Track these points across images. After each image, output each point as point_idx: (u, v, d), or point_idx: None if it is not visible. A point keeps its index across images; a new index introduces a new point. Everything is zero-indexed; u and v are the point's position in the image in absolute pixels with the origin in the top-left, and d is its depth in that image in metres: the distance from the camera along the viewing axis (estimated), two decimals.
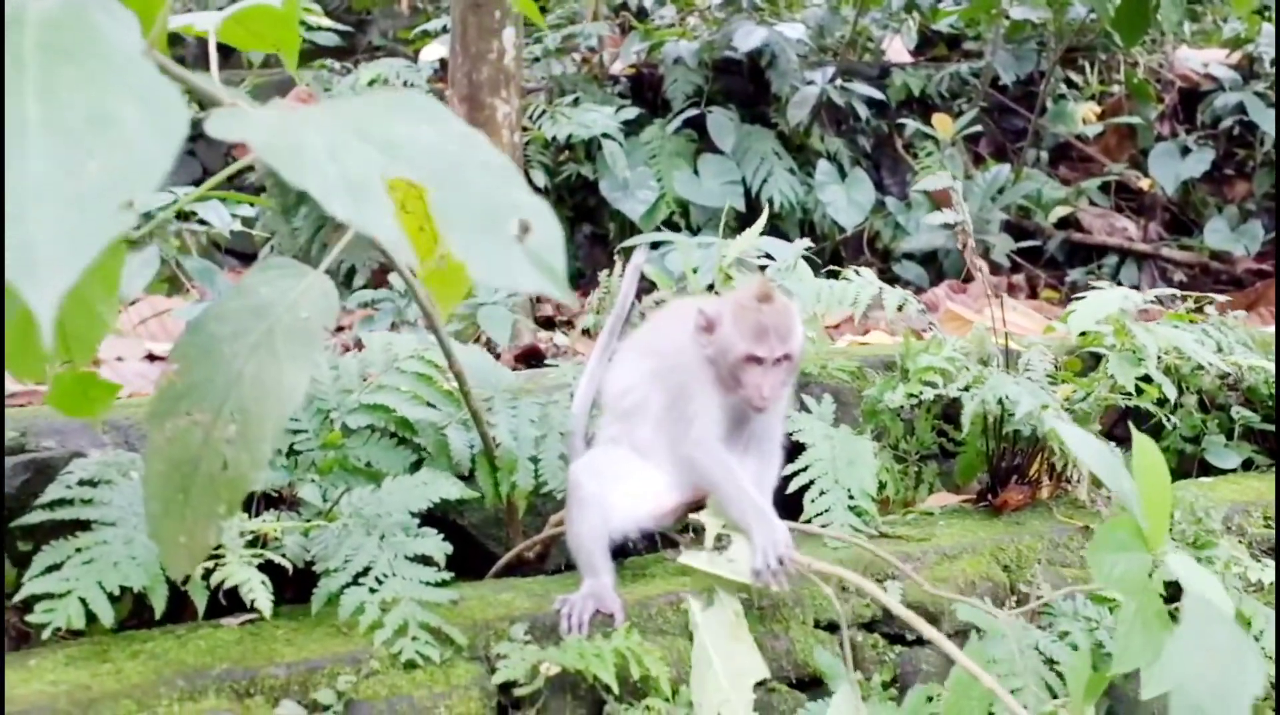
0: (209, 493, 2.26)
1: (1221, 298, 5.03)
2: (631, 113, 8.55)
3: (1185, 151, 9.17)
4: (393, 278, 6.26)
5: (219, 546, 2.78)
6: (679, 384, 3.10)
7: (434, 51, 8.89)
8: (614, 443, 3.24)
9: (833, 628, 3.25)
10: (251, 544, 2.91)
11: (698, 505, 3.16)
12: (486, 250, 1.70)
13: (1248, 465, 4.88)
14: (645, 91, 9.21)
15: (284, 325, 2.32)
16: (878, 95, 8.97)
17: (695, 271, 4.37)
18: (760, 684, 3.05)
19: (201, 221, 6.01)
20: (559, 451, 3.48)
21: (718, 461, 3.06)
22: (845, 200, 8.67)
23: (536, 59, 9.11)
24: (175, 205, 5.65)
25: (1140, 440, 2.73)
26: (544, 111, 8.42)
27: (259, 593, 2.73)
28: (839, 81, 8.84)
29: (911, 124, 8.89)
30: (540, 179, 8.17)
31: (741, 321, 3.00)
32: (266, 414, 2.27)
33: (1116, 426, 4.92)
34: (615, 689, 2.80)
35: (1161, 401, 4.14)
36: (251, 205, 6.97)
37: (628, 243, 4.80)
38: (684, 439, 3.08)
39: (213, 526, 2.30)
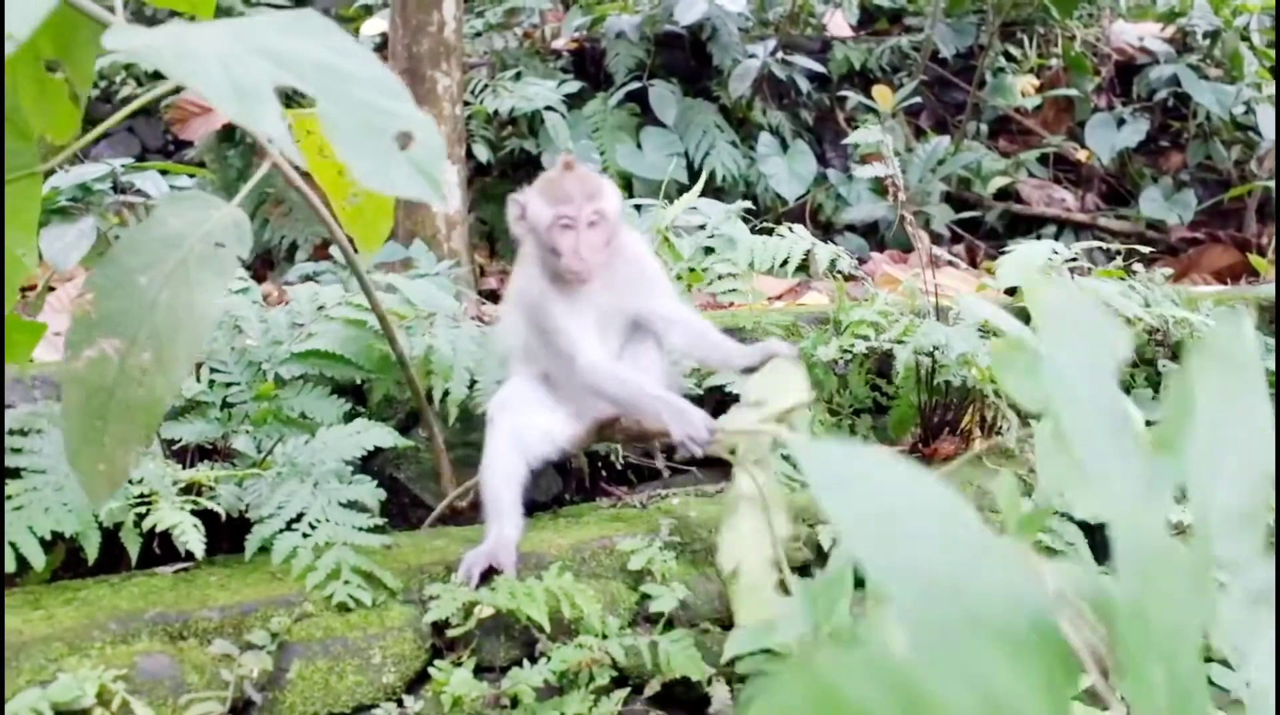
0: (126, 418, 2.29)
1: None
2: (574, 86, 8.56)
3: (1121, 123, 9.28)
4: (333, 250, 6.26)
5: (152, 494, 2.79)
6: (535, 307, 3.10)
7: (374, 26, 8.87)
8: (521, 378, 3.26)
9: None
10: (185, 491, 2.92)
11: (609, 422, 3.17)
12: (370, 155, 1.75)
13: None
14: (587, 65, 9.21)
15: (197, 255, 2.36)
16: (819, 69, 9.01)
17: None
18: (694, 625, 3.10)
19: (140, 193, 5.97)
20: (498, 378, 3.51)
21: (610, 377, 3.05)
22: (787, 172, 8.72)
23: (478, 33, 9.10)
24: (109, 176, 5.63)
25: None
26: (486, 86, 8.41)
27: (191, 536, 2.75)
28: (780, 55, 8.88)
29: (853, 97, 8.94)
30: (483, 153, 8.17)
31: (546, 191, 3.02)
32: (180, 340, 2.30)
33: None
34: (547, 628, 2.83)
35: None
36: (191, 177, 6.93)
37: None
38: (573, 369, 3.07)
39: (131, 452, 2.32)
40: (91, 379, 2.23)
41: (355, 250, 3.16)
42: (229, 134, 8.35)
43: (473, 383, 3.53)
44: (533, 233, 3.04)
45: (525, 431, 3.12)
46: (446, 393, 3.49)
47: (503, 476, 3.06)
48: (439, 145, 1.77)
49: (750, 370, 3.03)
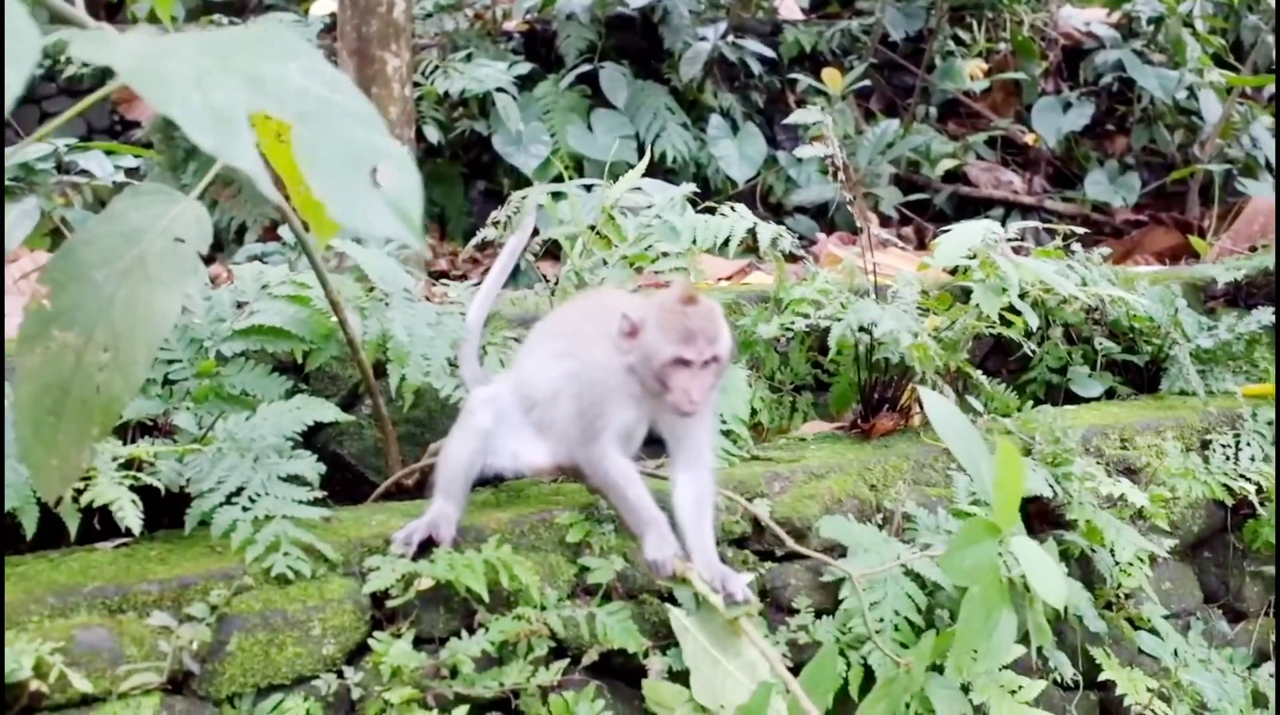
0: (81, 416, 2.28)
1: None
2: (525, 68, 8.56)
3: (1067, 107, 9.39)
4: (282, 231, 6.24)
5: (91, 470, 2.80)
6: (595, 398, 3.02)
7: (324, 6, 8.82)
8: (518, 402, 3.22)
9: None
10: (124, 467, 2.93)
11: (574, 470, 3.20)
12: (346, 193, 1.74)
13: (1110, 394, 5.07)
14: (538, 47, 9.22)
15: (156, 250, 2.34)
16: (769, 52, 9.05)
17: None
18: (632, 596, 3.15)
19: (84, 172, 5.94)
20: (446, 355, 3.54)
21: (620, 470, 3.03)
22: (737, 155, 8.78)
23: (428, 14, 9.09)
24: (53, 156, 5.60)
25: (1004, 445, 2.87)
26: (436, 67, 8.39)
27: (128, 511, 2.76)
28: (731, 38, 8.93)
29: (803, 80, 8.99)
30: (433, 135, 8.16)
31: (667, 325, 2.90)
32: (139, 338, 2.29)
33: (988, 360, 5.10)
34: (486, 599, 2.87)
35: (1029, 333, 4.28)
36: (137, 158, 6.90)
37: (519, 193, 4.83)
38: (588, 444, 3.03)
39: (85, 449, 2.31)
40: (46, 375, 2.21)
41: (307, 230, 3.16)
42: None
43: (427, 361, 3.55)
44: (641, 362, 2.95)
45: (496, 440, 3.12)
46: (403, 378, 3.52)
47: (463, 466, 3.07)
48: (416, 183, 1.74)
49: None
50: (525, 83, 8.58)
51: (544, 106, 8.64)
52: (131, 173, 6.22)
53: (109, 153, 5.89)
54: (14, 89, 1.57)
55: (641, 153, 8.36)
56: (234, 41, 1.91)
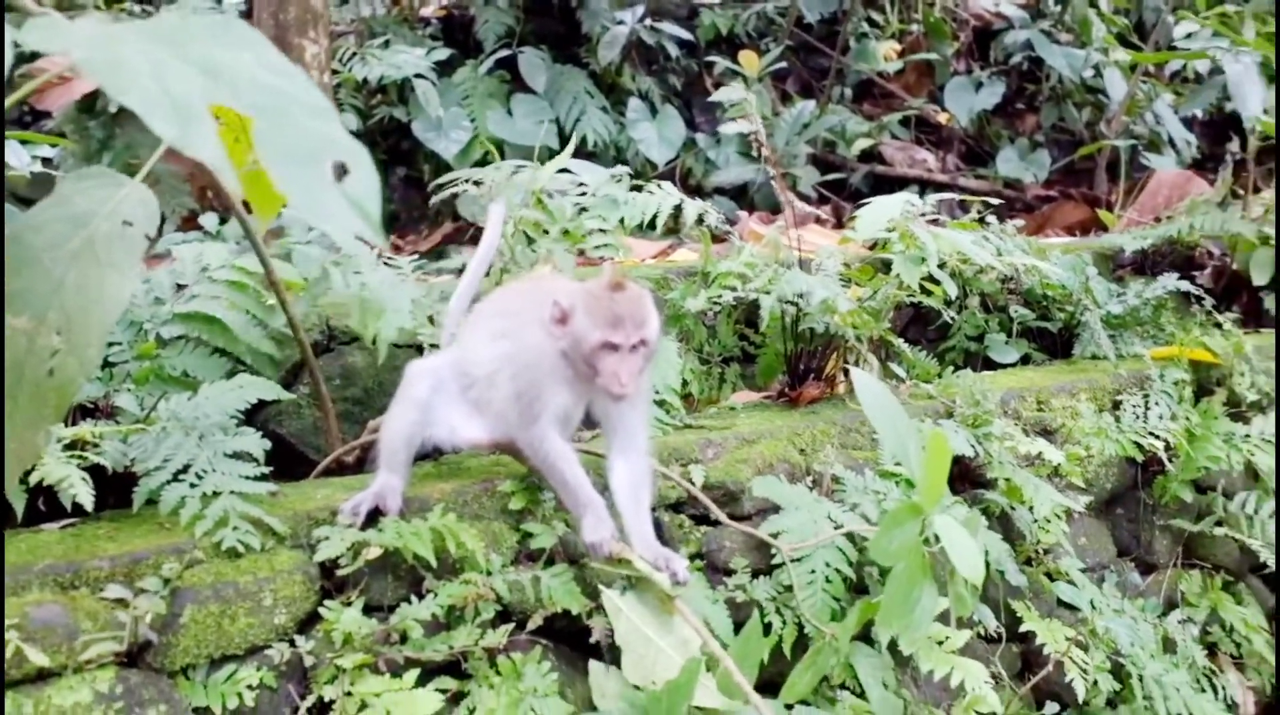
0: (35, 399, 2.29)
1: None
2: (443, 54, 8.58)
3: (979, 86, 9.61)
4: (204, 220, 6.24)
5: None
6: (531, 381, 3.09)
7: None
8: (452, 372, 3.29)
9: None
10: (69, 448, 2.95)
11: (509, 448, 3.29)
12: (307, 188, 1.78)
13: (1026, 360, 5.24)
14: (456, 33, 9.24)
15: (104, 233, 2.36)
16: (687, 35, 9.16)
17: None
18: (574, 561, 3.23)
19: None
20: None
21: (558, 452, 3.09)
22: (657, 137, 8.87)
23: (345, 0, 9.07)
24: None
25: (934, 434, 3.05)
26: (354, 54, 8.40)
27: (79, 488, 2.79)
28: (649, 21, 9.01)
29: (720, 62, 9.10)
30: (353, 122, 8.16)
31: (595, 311, 3.00)
32: (91, 321, 2.31)
33: (909, 329, 5.25)
34: (434, 564, 2.94)
35: (948, 302, 4.43)
36: (52, 147, 6.83)
37: (441, 179, 4.88)
38: (528, 427, 3.10)
39: (40, 432, 2.33)
40: None
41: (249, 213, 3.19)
42: (89, 104, 8.19)
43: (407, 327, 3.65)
44: (572, 347, 3.04)
45: (435, 412, 3.18)
46: (379, 331, 3.57)
47: (404, 437, 3.13)
48: (375, 179, 1.78)
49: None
50: (444, 68, 8.61)
51: (463, 92, 8.66)
52: (46, 163, 6.17)
53: (24, 143, 5.84)
54: None
55: (562, 136, 8.47)
56: (187, 31, 1.94)
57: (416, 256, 4.35)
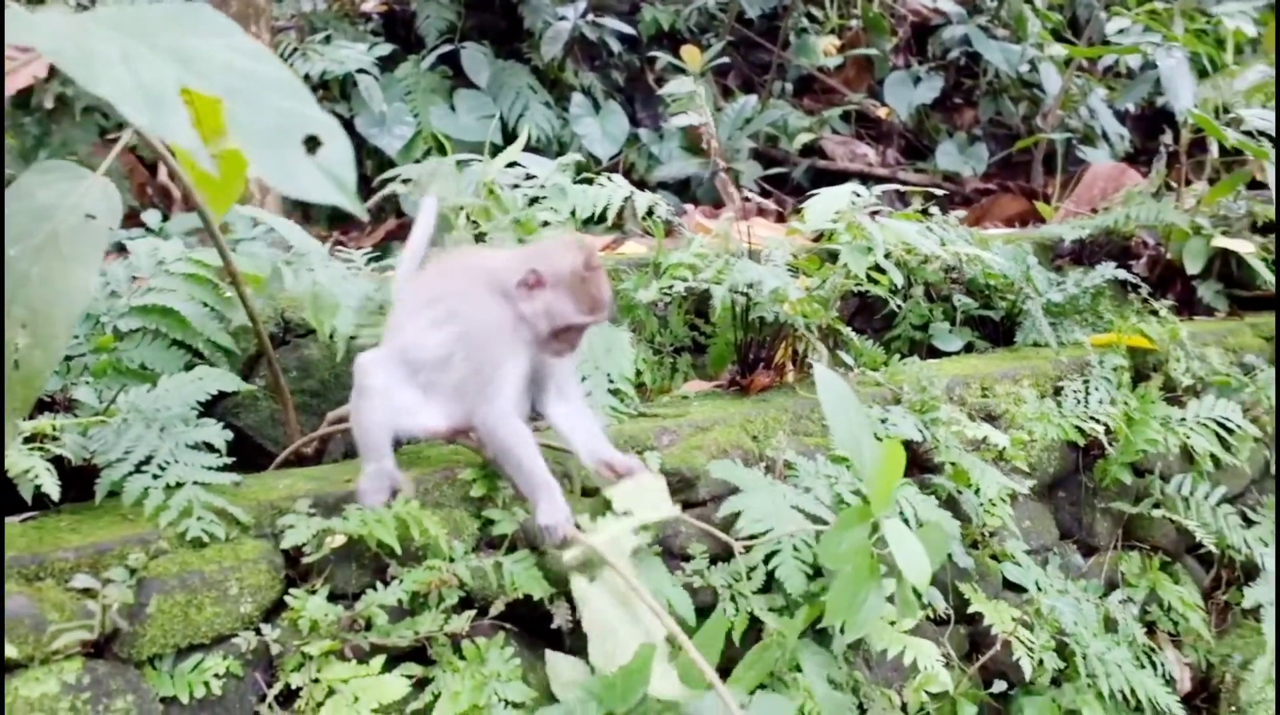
0: (2, 391, 2.31)
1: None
2: (385, 49, 8.56)
3: (917, 81, 9.74)
4: (145, 217, 6.22)
5: None
6: (489, 355, 3.13)
7: None
8: (404, 365, 3.30)
9: (595, 492, 3.43)
10: (29, 441, 2.95)
11: (471, 433, 3.31)
12: (281, 162, 1.82)
13: (969, 348, 5.35)
14: (398, 28, 9.22)
15: (68, 227, 2.38)
16: (629, 30, 9.20)
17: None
18: (535, 547, 3.27)
19: None
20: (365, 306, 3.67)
21: (516, 434, 3.13)
22: (600, 132, 8.90)
23: None
24: None
25: (889, 442, 3.15)
26: (296, 49, 8.35)
27: (45, 479, 2.80)
28: (590, 17, 9.04)
29: (662, 57, 9.15)
30: None
31: (579, 293, 3.09)
32: (56, 314, 2.33)
33: (855, 318, 5.33)
34: (398, 551, 2.97)
35: (894, 291, 4.51)
36: None
37: (385, 175, 4.90)
38: (486, 405, 3.13)
39: (9, 424, 2.35)
40: None
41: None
42: (24, 100, 8.12)
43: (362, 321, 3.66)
44: (538, 317, 3.12)
45: (393, 400, 3.17)
46: (334, 329, 3.59)
47: (379, 426, 3.12)
48: (348, 150, 1.84)
49: (611, 469, 3.24)
50: (386, 64, 8.58)
51: (406, 87, 8.64)
52: None
53: None
54: None
55: (505, 132, 8.49)
56: (154, 19, 1.97)
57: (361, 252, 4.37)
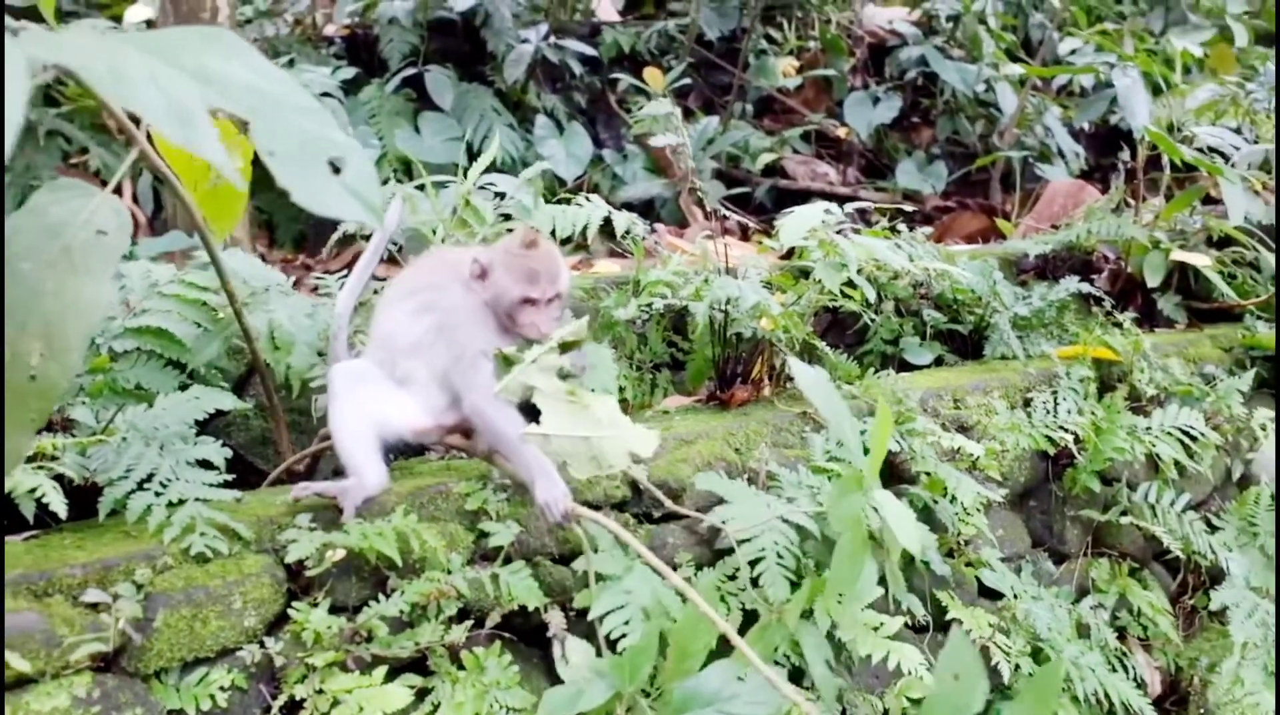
0: (19, 404, 2.35)
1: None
2: (349, 73, 8.61)
3: (876, 101, 9.88)
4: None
5: None
6: (466, 338, 3.27)
7: (139, 13, 8.64)
8: (376, 365, 3.40)
9: (591, 506, 3.50)
10: (30, 460, 2.99)
11: (458, 429, 3.38)
12: (309, 182, 1.92)
13: (939, 361, 5.46)
14: (361, 52, 9.27)
15: (80, 242, 2.43)
16: (590, 52, 9.28)
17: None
18: (528, 559, 3.33)
19: None
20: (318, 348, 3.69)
21: (505, 416, 3.21)
22: (564, 154, 8.98)
23: (248, 20, 9.06)
24: None
25: (881, 407, 3.24)
26: None
27: (53, 497, 2.84)
28: (552, 39, 9.13)
29: (624, 79, 9.25)
30: None
31: (513, 267, 3.26)
32: (71, 327, 2.37)
33: (828, 333, 5.43)
34: (399, 564, 3.02)
35: (867, 306, 4.61)
36: None
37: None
38: (472, 391, 3.24)
39: (25, 436, 2.39)
40: None
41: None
42: None
43: (316, 360, 3.69)
44: (493, 301, 3.29)
45: (374, 404, 3.27)
46: (289, 367, 3.63)
47: (354, 433, 3.20)
48: (371, 170, 1.94)
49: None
50: (350, 87, 8.63)
51: (370, 110, 8.68)
52: None
53: None
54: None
55: (470, 154, 8.54)
56: (176, 41, 2.03)
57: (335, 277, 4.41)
